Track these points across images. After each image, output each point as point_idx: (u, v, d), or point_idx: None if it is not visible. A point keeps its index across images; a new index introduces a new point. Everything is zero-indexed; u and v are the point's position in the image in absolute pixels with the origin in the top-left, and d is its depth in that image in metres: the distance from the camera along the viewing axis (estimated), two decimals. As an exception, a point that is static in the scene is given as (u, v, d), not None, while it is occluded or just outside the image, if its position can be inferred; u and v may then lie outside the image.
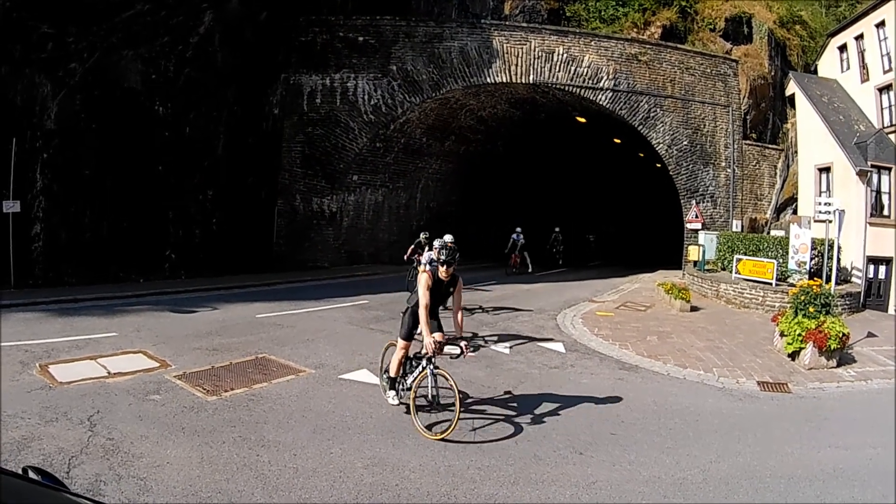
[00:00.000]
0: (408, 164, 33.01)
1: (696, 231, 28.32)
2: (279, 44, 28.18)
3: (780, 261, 22.48)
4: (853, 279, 24.31)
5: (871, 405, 12.02)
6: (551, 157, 43.03)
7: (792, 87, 30.24)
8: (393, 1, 30.80)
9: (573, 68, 28.12)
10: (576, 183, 47.44)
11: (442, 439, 8.32)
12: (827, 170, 26.63)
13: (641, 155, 37.01)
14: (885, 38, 26.02)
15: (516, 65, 28.09)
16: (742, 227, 28.80)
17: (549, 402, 10.54)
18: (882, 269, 24.80)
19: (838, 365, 14.28)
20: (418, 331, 9.10)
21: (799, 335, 14.42)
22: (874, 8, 26.55)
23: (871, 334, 17.99)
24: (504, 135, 37.19)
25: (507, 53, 28.07)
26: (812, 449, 9.25)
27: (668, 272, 31.34)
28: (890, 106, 26.05)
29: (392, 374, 9.47)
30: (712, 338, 16.93)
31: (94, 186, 21.95)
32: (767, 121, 30.83)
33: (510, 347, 14.60)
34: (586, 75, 28.14)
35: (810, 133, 27.83)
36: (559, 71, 28.12)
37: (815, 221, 22.38)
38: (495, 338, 15.51)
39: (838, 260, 22.35)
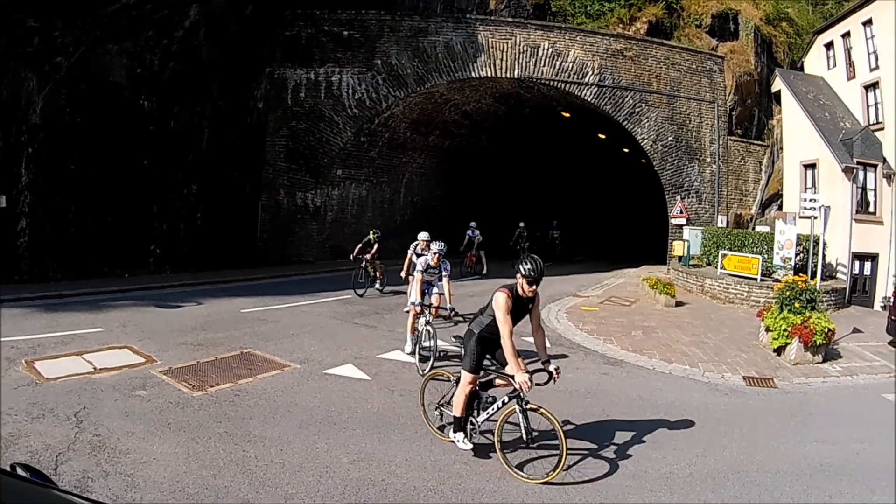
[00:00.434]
0: (392, 158, 32.83)
1: (681, 226, 28.23)
2: (264, 38, 27.93)
3: (766, 256, 22.52)
4: (838, 275, 24.33)
5: (856, 400, 12.04)
6: (536, 152, 42.92)
7: (778, 84, 30.25)
8: (378, -6, 30.64)
9: (558, 63, 27.99)
10: (560, 178, 47.34)
11: (546, 482, 7.22)
12: (812, 166, 26.64)
13: (626, 150, 36.96)
14: (873, 36, 26.01)
15: (501, 59, 27.93)
16: (727, 222, 28.76)
17: (534, 396, 10.38)
18: (868, 265, 24.87)
19: (824, 360, 14.29)
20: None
21: (784, 330, 14.45)
22: (861, 6, 26.54)
23: (856, 330, 18.02)
24: (489, 129, 37.02)
25: (492, 48, 27.91)
26: (798, 444, 9.21)
27: (653, 267, 31.30)
28: (876, 103, 26.04)
29: (458, 413, 7.95)
30: (697, 333, 16.89)
31: (79, 181, 21.70)
32: (753, 117, 30.81)
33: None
34: (571, 70, 28.01)
35: (796, 130, 27.84)
36: (544, 66, 27.99)
37: (801, 217, 22.42)
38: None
39: (823, 256, 22.37)
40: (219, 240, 26.29)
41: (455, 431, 8.02)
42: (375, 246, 20.31)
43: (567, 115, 33.73)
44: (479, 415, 8.07)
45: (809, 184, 26.81)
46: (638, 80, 28.48)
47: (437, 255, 13.24)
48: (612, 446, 8.53)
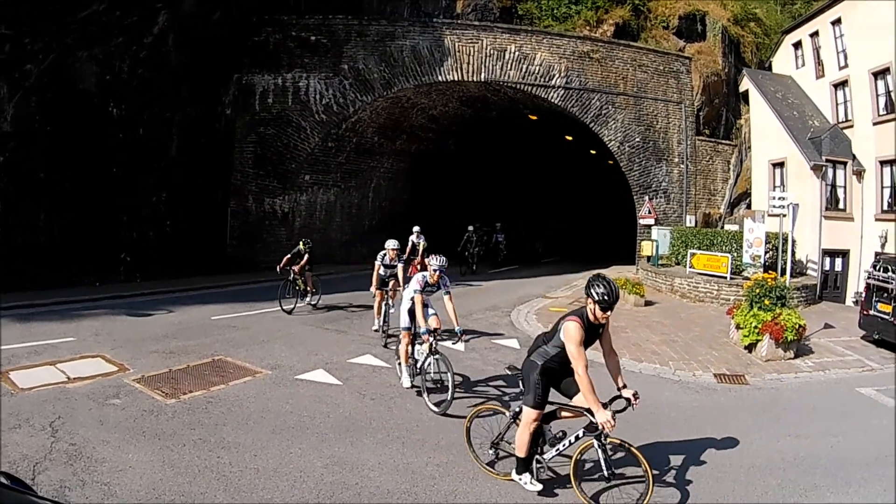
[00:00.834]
0: (360, 163, 32.52)
1: (650, 226, 28.17)
2: (232, 43, 27.62)
3: (735, 255, 22.50)
4: (809, 272, 24.46)
5: (829, 395, 12.05)
6: (503, 155, 42.97)
7: (746, 84, 30.45)
8: (346, 0, 30.40)
9: (525, 66, 27.87)
10: (527, 180, 47.39)
11: None
12: (781, 165, 26.81)
13: (593, 152, 36.90)
14: (842, 35, 26.31)
15: (468, 63, 27.76)
16: (696, 222, 28.76)
17: (506, 398, 10.51)
18: (839, 261, 25.08)
19: (796, 356, 14.32)
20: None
21: (755, 327, 14.50)
22: (830, 6, 26.85)
23: (828, 325, 18.14)
24: (455, 133, 36.91)
25: (459, 52, 27.74)
26: (772, 439, 9.17)
27: (622, 267, 31.24)
28: (845, 101, 26.30)
29: (522, 453, 7.13)
30: (667, 331, 16.81)
31: (49, 189, 21.52)
32: (721, 117, 30.88)
33: (465, 343, 14.28)
34: (538, 73, 27.91)
35: (764, 128, 28.05)
36: (511, 69, 27.86)
37: (769, 216, 22.48)
38: (447, 335, 15.22)
39: (793, 253, 22.40)
40: (189, 247, 26.04)
41: (519, 472, 7.23)
42: (306, 257, 18.66)
43: (534, 117, 33.67)
44: (546, 451, 7.24)
45: (778, 182, 26.97)
46: (605, 81, 28.42)
47: (437, 272, 10.66)
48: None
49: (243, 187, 29.01)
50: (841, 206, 25.22)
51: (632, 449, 6.60)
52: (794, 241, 22.39)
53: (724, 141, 30.46)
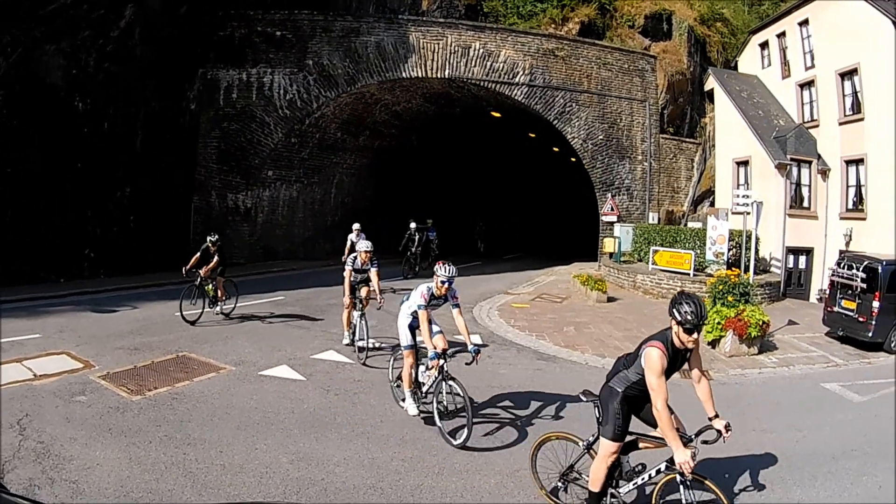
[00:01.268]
0: (323, 159, 32.21)
1: (612, 223, 28.05)
2: (198, 38, 27.34)
3: (698, 252, 22.51)
4: (773, 269, 24.55)
5: (794, 390, 12.10)
6: (466, 152, 43.02)
7: (711, 83, 30.57)
8: (312, -5, 30.16)
9: (489, 63, 27.74)
10: (490, 177, 47.65)
11: None
12: (745, 163, 26.92)
13: (556, 149, 37.04)
14: (809, 36, 26.52)
15: (432, 60, 27.59)
16: (659, 219, 28.83)
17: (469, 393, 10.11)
18: (802, 259, 25.24)
19: (760, 352, 14.43)
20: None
21: (718, 324, 14.61)
22: (798, 7, 27.06)
23: (792, 322, 18.23)
24: (419, 129, 36.81)
25: (424, 48, 27.57)
26: (737, 433, 8.78)
27: (584, 264, 31.09)
28: (811, 101, 26.47)
29: (597, 488, 6.36)
30: (630, 328, 16.74)
31: (13, 184, 21.10)
32: (685, 115, 30.98)
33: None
34: (502, 70, 27.79)
35: (728, 127, 28.20)
36: (475, 66, 27.71)
37: (733, 213, 22.49)
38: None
39: (757, 251, 22.39)
40: (152, 242, 25.70)
41: None
42: (216, 258, 15.80)
43: (497, 114, 33.67)
44: (621, 485, 6.47)
45: (742, 180, 27.07)
46: (569, 79, 28.36)
47: (445, 283, 9.10)
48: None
49: (207, 183, 28.65)
50: (805, 204, 25.35)
51: (714, 489, 5.88)
52: (757, 239, 22.36)
53: (688, 139, 30.58)
